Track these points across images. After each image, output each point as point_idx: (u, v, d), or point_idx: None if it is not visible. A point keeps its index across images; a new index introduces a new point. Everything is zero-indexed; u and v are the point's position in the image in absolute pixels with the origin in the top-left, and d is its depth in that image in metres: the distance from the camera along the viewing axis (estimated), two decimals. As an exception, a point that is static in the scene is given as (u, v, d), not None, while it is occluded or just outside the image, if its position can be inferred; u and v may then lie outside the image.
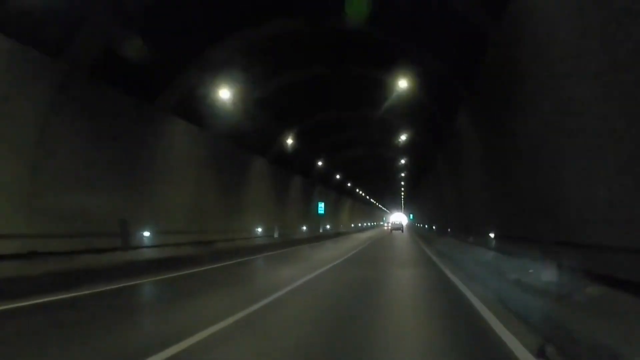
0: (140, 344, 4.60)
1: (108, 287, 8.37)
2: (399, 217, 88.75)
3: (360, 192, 61.87)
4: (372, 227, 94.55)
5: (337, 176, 41.53)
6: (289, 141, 23.97)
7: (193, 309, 6.67)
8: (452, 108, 16.08)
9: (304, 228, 34.06)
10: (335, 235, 39.32)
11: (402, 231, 58.31)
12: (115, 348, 4.47)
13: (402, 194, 74.03)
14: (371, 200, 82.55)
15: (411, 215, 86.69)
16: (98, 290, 8.08)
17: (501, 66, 9.33)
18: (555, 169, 7.05)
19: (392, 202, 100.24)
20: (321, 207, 39.15)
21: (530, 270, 6.90)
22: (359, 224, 72.51)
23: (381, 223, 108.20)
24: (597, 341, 3.68)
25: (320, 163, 32.72)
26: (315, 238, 31.20)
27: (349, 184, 47.92)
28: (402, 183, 57.13)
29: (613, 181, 5.26)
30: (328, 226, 43.25)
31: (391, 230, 62.52)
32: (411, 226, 79.62)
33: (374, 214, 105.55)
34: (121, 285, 8.72)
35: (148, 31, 10.65)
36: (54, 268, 8.81)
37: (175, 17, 11.04)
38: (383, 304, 7.25)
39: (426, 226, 44.03)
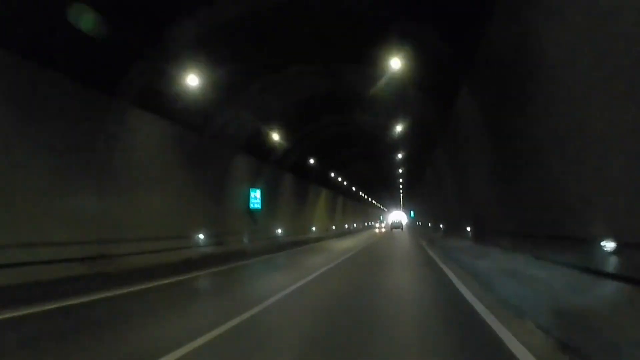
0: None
1: None
2: (398, 216, 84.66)
3: (347, 184, 45.11)
4: (367, 228, 77.66)
5: (302, 152, 24.74)
6: None
7: None
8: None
9: (201, 237, 17.17)
10: (279, 249, 22.21)
11: (402, 229, 57.87)
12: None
13: (401, 190, 64.57)
14: (363, 195, 65.83)
15: (412, 213, 74.67)
16: None
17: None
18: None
19: (390, 199, 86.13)
20: (255, 197, 22.24)
21: None
22: (345, 225, 55.60)
23: (374, 224, 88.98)
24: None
25: (247, 114, 15.83)
26: (194, 265, 14.15)
27: (315, 163, 30.84)
28: (401, 174, 40.95)
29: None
30: (279, 230, 26.38)
31: (391, 228, 61.05)
32: (412, 225, 68.59)
33: (367, 213, 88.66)
34: None
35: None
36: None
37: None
38: None
39: (441, 226, 26.96)
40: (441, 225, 24.78)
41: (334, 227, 45.62)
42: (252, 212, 22.20)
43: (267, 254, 19.09)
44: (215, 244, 18.52)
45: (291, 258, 18.96)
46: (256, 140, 20.49)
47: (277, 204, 26.20)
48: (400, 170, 38.16)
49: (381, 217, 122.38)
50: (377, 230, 62.15)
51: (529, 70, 7.48)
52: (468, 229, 14.55)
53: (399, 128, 22.92)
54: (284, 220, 27.25)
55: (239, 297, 8.50)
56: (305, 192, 33.12)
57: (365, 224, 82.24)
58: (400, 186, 54.43)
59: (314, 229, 35.75)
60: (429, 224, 34.48)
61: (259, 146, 20.92)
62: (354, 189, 50.63)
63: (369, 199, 76.67)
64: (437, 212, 28.93)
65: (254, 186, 22.19)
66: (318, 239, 32.12)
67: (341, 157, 34.85)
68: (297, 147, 25.74)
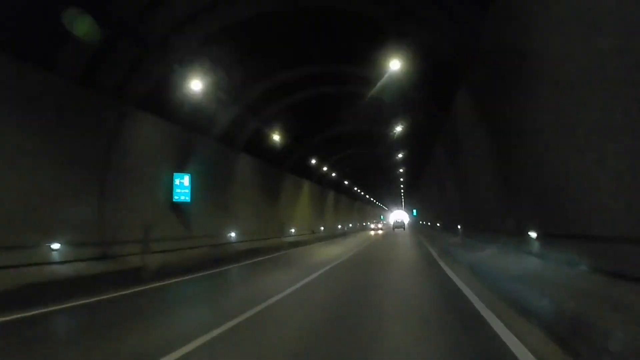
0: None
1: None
2: (400, 215, 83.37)
3: (338, 176, 38.06)
4: (366, 228, 70.29)
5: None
6: None
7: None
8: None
9: (54, 248, 9.89)
10: (220, 262, 14.92)
11: (404, 229, 59.56)
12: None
13: (402, 188, 59.96)
14: (360, 192, 58.73)
15: (414, 212, 69.67)
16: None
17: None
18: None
19: (390, 198, 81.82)
20: (182, 186, 14.92)
21: None
22: (339, 226, 48.33)
23: (370, 224, 78.14)
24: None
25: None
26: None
27: (290, 145, 23.61)
28: (402, 159, 34.06)
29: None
30: (232, 234, 19.05)
31: (394, 228, 62.07)
32: (414, 225, 63.66)
33: (365, 212, 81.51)
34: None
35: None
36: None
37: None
38: None
39: (459, 227, 19.54)
40: (459, 227, 17.48)
41: (322, 228, 38.32)
42: (177, 208, 14.94)
43: (187, 274, 11.89)
44: (98, 257, 11.29)
45: (226, 280, 11.94)
46: (175, 96, 13.18)
47: (229, 197, 18.93)
48: (401, 155, 30.97)
49: (381, 216, 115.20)
50: (372, 233, 49.80)
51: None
52: (533, 234, 7.30)
53: (398, 101, 16.25)
54: (242, 220, 19.97)
55: None
56: (278, 184, 25.81)
57: (364, 224, 74.92)
58: (401, 179, 47.23)
59: (292, 230, 28.47)
60: (438, 224, 27.33)
61: (180, 106, 13.60)
62: (346, 182, 43.34)
63: (367, 196, 69.50)
64: (450, 210, 21.73)
65: (181, 169, 14.92)
66: (294, 244, 24.83)
67: (330, 142, 27.68)
68: (260, 119, 18.48)
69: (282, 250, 21.32)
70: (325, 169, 31.85)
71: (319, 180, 35.31)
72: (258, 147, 20.17)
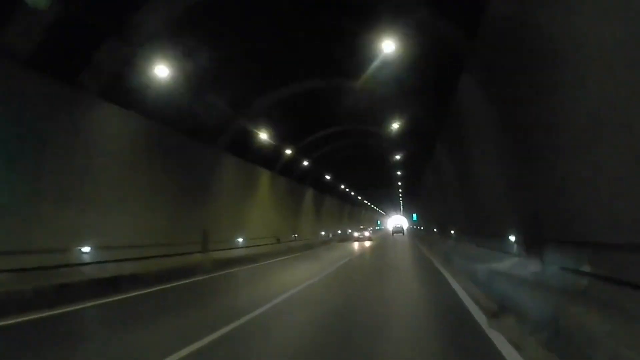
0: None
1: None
2: (399, 220, 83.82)
3: (312, 165, 29.59)
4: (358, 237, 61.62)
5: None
6: None
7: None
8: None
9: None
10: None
11: (403, 234, 60.39)
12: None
13: (400, 190, 54.66)
14: (349, 191, 50.33)
15: (414, 216, 66.67)
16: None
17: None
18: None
19: (389, 201, 76.81)
20: None
21: None
22: (322, 232, 39.74)
23: (355, 232, 63.65)
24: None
25: None
26: None
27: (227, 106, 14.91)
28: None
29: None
30: (87, 249, 10.52)
31: (392, 233, 62.12)
32: (415, 231, 58.24)
33: (359, 217, 73.00)
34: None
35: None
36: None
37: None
38: None
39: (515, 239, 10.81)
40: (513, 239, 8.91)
41: (295, 236, 29.64)
42: None
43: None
44: None
45: None
46: None
47: (77, 182, 10.28)
48: (399, 144, 22.53)
49: (378, 221, 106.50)
50: (355, 244, 33.80)
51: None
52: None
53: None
54: (116, 224, 11.33)
55: None
56: (206, 169, 17.08)
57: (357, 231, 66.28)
58: (399, 172, 38.78)
59: (240, 240, 19.79)
60: (452, 232, 18.88)
61: None
62: (328, 177, 34.69)
63: (359, 198, 60.94)
64: (472, 211, 13.28)
65: None
66: (229, 263, 16.08)
67: (306, 123, 19.29)
68: (138, 36, 9.92)
69: (193, 275, 12.65)
70: (290, 152, 23.16)
71: (287, 172, 26.73)
72: (143, 91, 11.52)
